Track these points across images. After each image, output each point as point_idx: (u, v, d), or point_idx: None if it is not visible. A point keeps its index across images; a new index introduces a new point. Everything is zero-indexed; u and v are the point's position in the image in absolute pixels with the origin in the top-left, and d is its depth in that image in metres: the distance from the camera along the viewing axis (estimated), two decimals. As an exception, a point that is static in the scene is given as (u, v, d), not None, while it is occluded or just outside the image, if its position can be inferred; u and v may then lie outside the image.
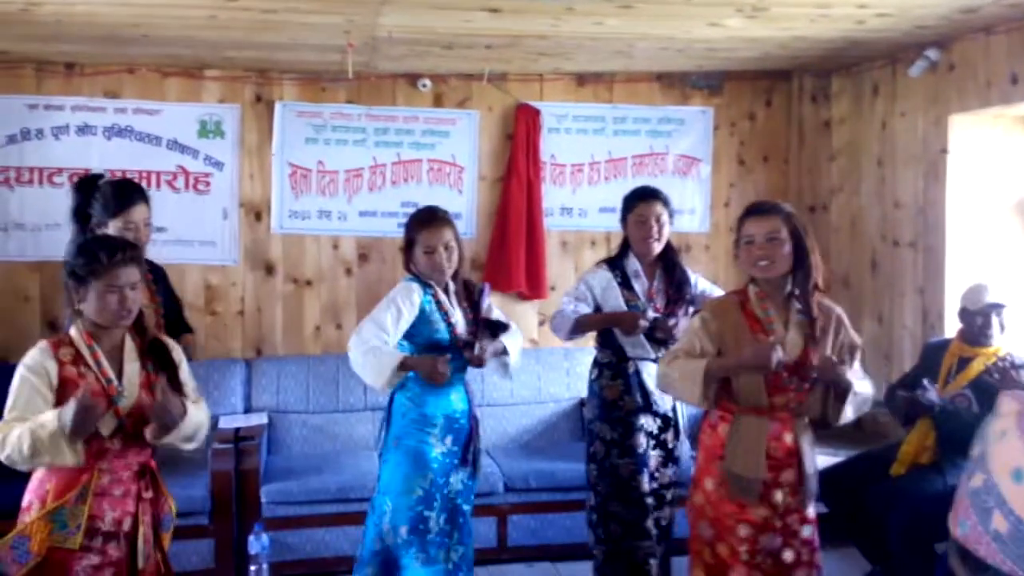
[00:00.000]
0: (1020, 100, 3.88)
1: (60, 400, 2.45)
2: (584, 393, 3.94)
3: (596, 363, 3.78)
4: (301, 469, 4.29)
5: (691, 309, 3.62)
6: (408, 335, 3.20)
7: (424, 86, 4.97)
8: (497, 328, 3.34)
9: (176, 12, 3.57)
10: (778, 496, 2.79)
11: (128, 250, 2.56)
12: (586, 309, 3.65)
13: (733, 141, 5.34)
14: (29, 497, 2.53)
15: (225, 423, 4.36)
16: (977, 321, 3.67)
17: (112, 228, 3.23)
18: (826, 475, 3.39)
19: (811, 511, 2.87)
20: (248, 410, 4.64)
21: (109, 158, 4.68)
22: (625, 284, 3.66)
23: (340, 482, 4.15)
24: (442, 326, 3.22)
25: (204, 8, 3.50)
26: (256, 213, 4.93)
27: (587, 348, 4.20)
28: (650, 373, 3.59)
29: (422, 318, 3.19)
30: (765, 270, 2.80)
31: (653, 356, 3.61)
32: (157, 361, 2.63)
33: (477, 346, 3.20)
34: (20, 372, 2.49)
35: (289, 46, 4.23)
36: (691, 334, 2.90)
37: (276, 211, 4.93)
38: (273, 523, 4.01)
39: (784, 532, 2.81)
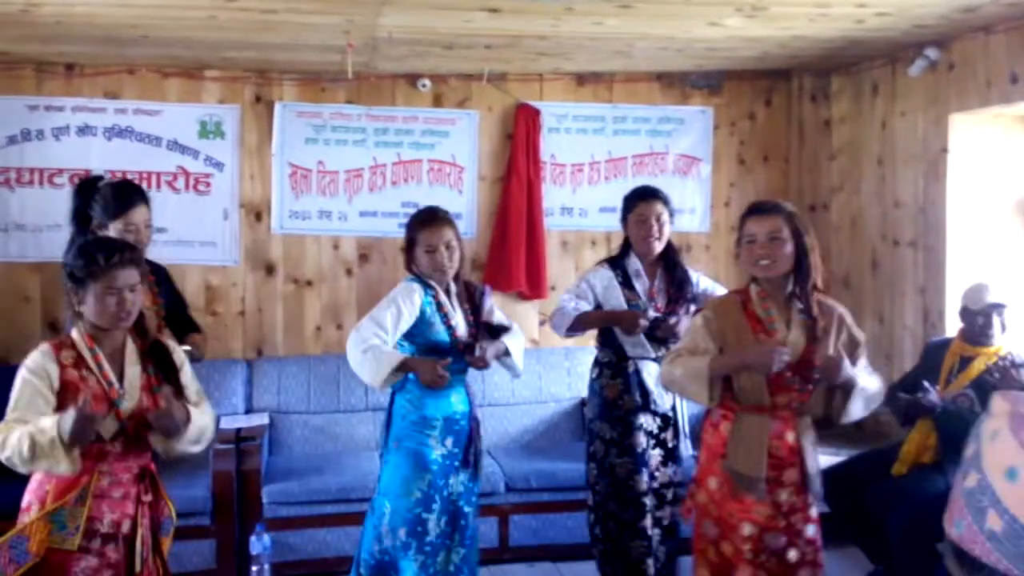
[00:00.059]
0: (1020, 99, 3.87)
1: (61, 403, 2.44)
2: (585, 393, 3.94)
3: (596, 362, 3.79)
4: (302, 469, 4.29)
5: (693, 308, 3.62)
6: (408, 336, 3.20)
7: (424, 86, 4.96)
8: (498, 331, 3.33)
9: (176, 13, 3.57)
10: (782, 495, 2.79)
11: (126, 252, 2.55)
12: (587, 307, 3.65)
13: (733, 141, 5.33)
14: (29, 498, 2.53)
15: (226, 424, 4.35)
16: (978, 321, 3.67)
17: (112, 230, 3.22)
18: (827, 474, 3.39)
19: (814, 510, 2.88)
20: (249, 410, 4.65)
21: (109, 159, 4.68)
22: (626, 283, 3.66)
23: (341, 482, 4.15)
24: (442, 328, 3.22)
25: (204, 9, 3.50)
26: (256, 213, 4.93)
27: (588, 348, 4.21)
28: (650, 372, 3.60)
29: (422, 319, 3.19)
30: (766, 269, 2.80)
31: (653, 355, 3.62)
32: (158, 364, 2.62)
33: (478, 348, 3.20)
34: (22, 374, 2.48)
35: (289, 46, 4.23)
36: (693, 333, 2.91)
37: (276, 211, 4.93)
38: (274, 523, 4.02)
39: (788, 531, 2.80)
